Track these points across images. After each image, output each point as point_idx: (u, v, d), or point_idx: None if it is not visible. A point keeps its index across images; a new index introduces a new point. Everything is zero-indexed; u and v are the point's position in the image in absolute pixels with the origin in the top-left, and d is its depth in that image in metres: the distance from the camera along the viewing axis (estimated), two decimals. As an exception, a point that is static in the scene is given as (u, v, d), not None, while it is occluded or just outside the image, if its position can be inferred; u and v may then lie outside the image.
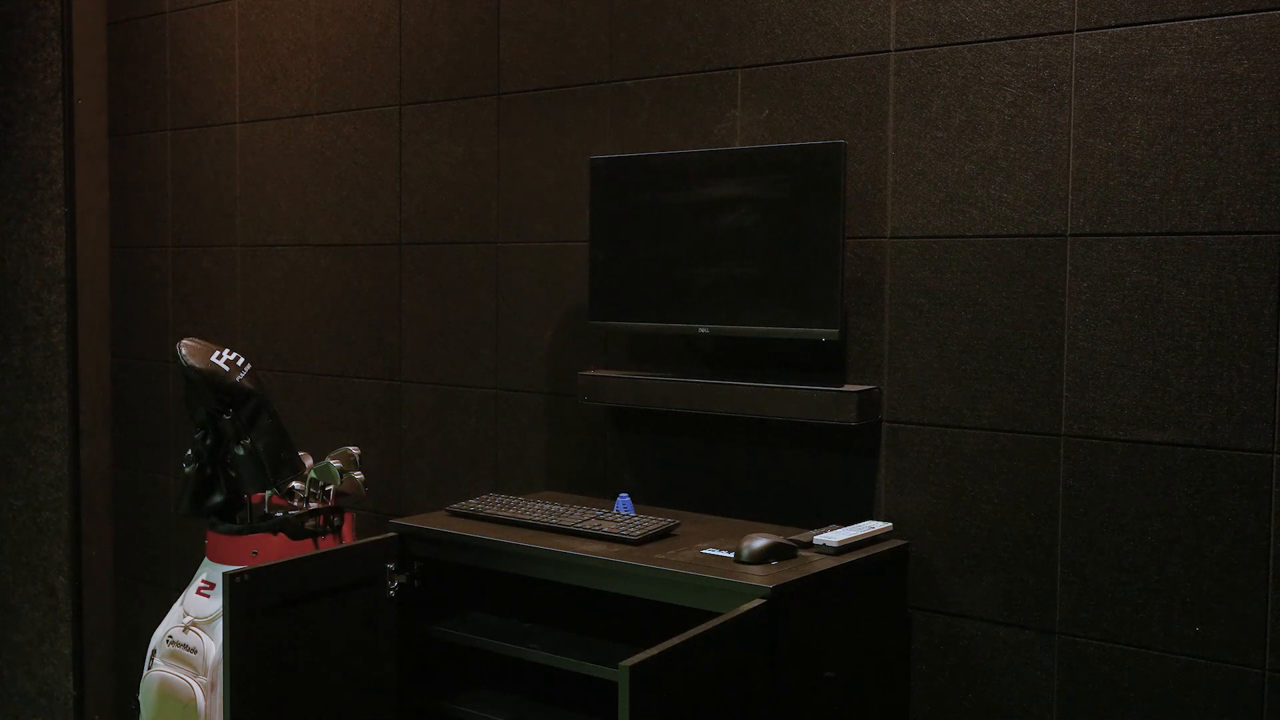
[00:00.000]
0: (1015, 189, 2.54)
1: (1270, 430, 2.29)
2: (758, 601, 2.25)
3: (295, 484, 3.02)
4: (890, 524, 2.67)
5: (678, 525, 2.69)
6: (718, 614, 2.33)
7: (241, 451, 2.84)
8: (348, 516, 3.14)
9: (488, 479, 3.40)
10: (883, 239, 2.71)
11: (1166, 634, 2.40)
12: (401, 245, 3.57)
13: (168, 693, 3.15)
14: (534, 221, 3.29)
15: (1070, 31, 2.47)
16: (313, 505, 3.04)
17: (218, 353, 2.84)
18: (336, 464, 3.06)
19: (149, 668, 3.27)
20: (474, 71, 3.39)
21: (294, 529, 2.99)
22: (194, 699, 3.11)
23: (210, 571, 3.09)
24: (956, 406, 2.62)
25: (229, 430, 2.89)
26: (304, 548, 3.05)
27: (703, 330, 2.82)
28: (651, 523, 2.66)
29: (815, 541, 2.52)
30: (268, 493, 2.98)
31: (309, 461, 3.10)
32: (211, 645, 3.07)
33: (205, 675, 3.10)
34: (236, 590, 2.45)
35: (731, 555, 2.45)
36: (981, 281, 2.58)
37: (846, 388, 2.67)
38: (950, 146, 2.61)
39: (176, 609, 3.16)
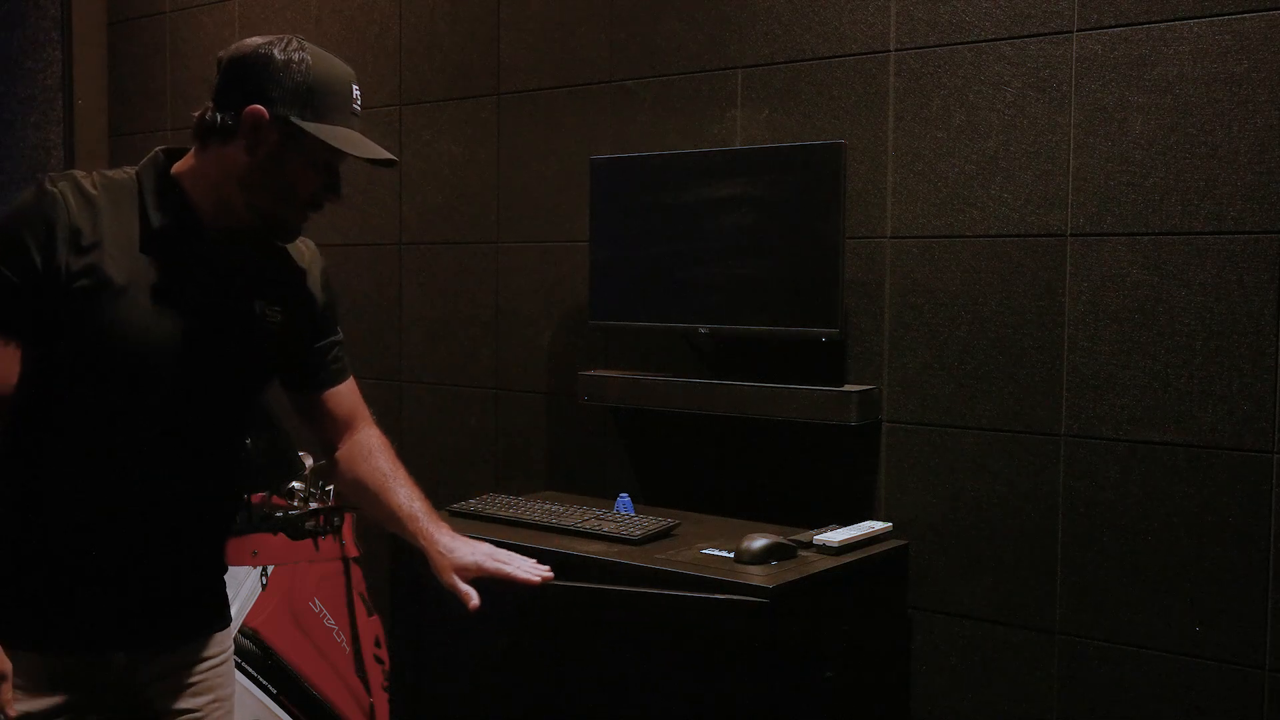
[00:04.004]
0: (1015, 189, 2.54)
1: (1270, 430, 2.29)
2: (758, 601, 2.25)
3: (295, 484, 3.01)
4: (890, 524, 2.67)
5: (678, 525, 2.69)
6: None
7: (242, 452, 2.84)
8: (348, 516, 3.14)
9: (488, 479, 3.40)
10: (883, 239, 2.70)
11: (1166, 634, 2.40)
12: (401, 245, 3.57)
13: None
14: (534, 221, 3.28)
15: (1070, 31, 2.47)
16: (313, 505, 3.04)
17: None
18: (336, 464, 3.06)
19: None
20: (474, 71, 3.39)
21: (294, 529, 2.99)
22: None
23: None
24: (956, 406, 2.62)
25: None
26: (304, 548, 3.05)
27: (703, 330, 2.81)
28: (651, 523, 2.65)
29: (815, 541, 2.52)
30: (267, 493, 2.98)
31: (309, 461, 3.10)
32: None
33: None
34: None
35: (731, 555, 2.45)
36: (981, 281, 2.58)
37: (846, 388, 2.67)
38: (950, 146, 2.61)
39: (176, 609, 3.16)
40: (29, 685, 1.74)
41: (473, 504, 2.88)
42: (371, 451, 2.00)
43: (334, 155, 1.77)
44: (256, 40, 1.78)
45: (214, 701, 1.92)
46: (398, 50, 3.54)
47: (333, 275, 2.03)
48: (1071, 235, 2.48)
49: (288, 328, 1.91)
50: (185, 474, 1.82)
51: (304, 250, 1.97)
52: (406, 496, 1.97)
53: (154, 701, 1.85)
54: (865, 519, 2.70)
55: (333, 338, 2.03)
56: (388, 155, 1.82)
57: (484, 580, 1.96)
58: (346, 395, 2.06)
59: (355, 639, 3.11)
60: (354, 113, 1.81)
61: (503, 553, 1.98)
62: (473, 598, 1.93)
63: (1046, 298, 2.51)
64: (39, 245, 1.67)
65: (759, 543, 2.42)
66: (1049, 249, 2.50)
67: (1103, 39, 2.43)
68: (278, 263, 1.90)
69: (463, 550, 1.94)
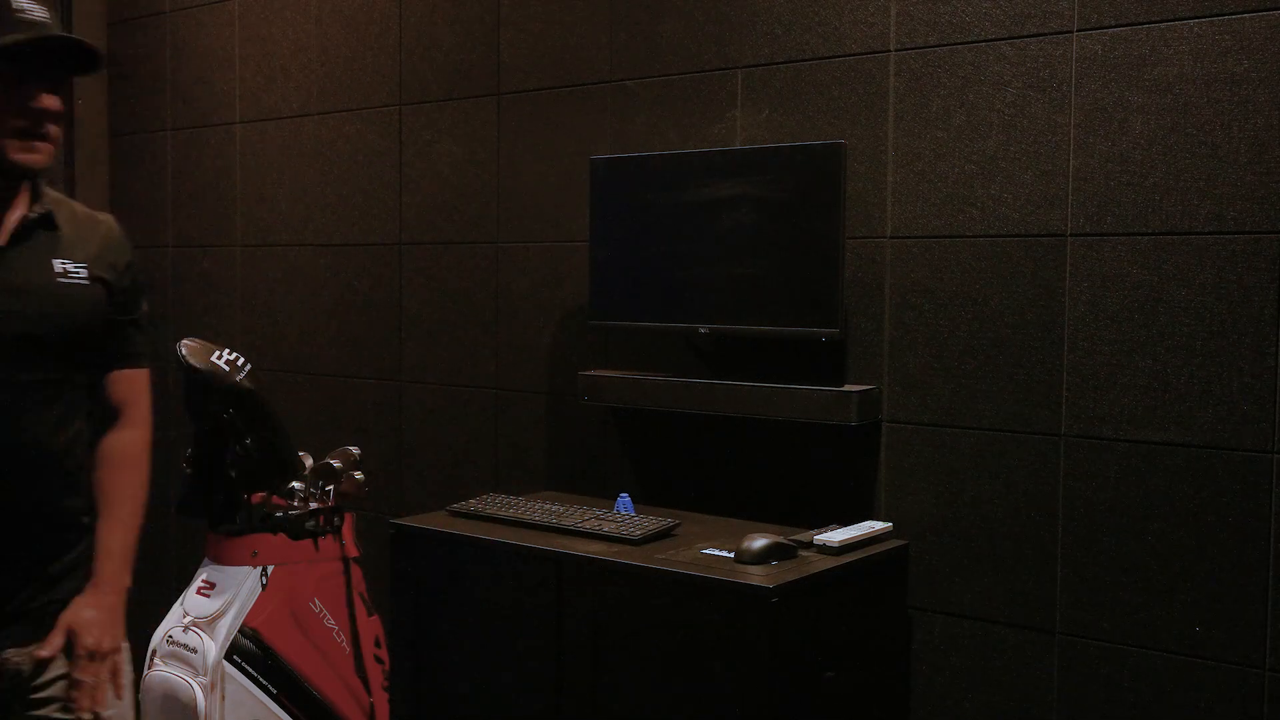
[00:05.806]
0: (1015, 189, 2.54)
1: (1270, 430, 2.29)
2: (758, 601, 2.25)
3: (295, 484, 3.01)
4: (890, 524, 2.67)
5: (678, 525, 2.69)
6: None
7: (241, 451, 2.83)
8: (348, 516, 3.14)
9: (488, 479, 3.40)
10: (883, 239, 2.71)
11: (1166, 634, 2.40)
12: (401, 245, 3.57)
13: (167, 693, 3.15)
14: (534, 221, 3.29)
15: (1070, 31, 2.47)
16: (313, 505, 3.03)
17: (218, 353, 2.84)
18: (336, 464, 3.06)
19: (149, 668, 3.26)
20: (474, 71, 3.39)
21: (294, 529, 2.98)
22: (194, 699, 3.11)
23: (210, 572, 3.09)
24: (956, 406, 2.62)
25: (229, 430, 2.89)
26: (304, 548, 3.04)
27: (703, 330, 2.82)
28: (651, 523, 2.66)
29: (815, 541, 2.52)
30: (267, 493, 2.98)
31: (309, 461, 3.10)
32: (211, 645, 3.07)
33: (205, 675, 3.10)
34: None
35: (731, 555, 2.45)
36: (981, 281, 2.58)
37: (846, 388, 2.67)
38: (950, 146, 2.61)
39: (176, 609, 3.16)
40: None
41: (473, 504, 2.88)
42: (115, 464, 2.17)
43: None
44: None
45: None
46: (398, 50, 3.55)
47: (138, 266, 2.15)
48: (1071, 235, 2.48)
49: (90, 291, 2.00)
50: None
51: (113, 230, 2.08)
52: (107, 530, 2.12)
53: (21, 673, 1.92)
54: (865, 519, 2.70)
55: (129, 317, 2.12)
56: (50, 34, 1.87)
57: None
58: (126, 384, 2.18)
59: (355, 639, 3.10)
60: (22, 22, 1.82)
61: (91, 665, 1.98)
62: (44, 650, 1.95)
63: (1046, 298, 2.51)
64: None
65: (759, 543, 2.42)
66: (1049, 249, 2.50)
67: (1103, 39, 2.43)
68: (80, 229, 2.01)
69: (76, 631, 1.98)
